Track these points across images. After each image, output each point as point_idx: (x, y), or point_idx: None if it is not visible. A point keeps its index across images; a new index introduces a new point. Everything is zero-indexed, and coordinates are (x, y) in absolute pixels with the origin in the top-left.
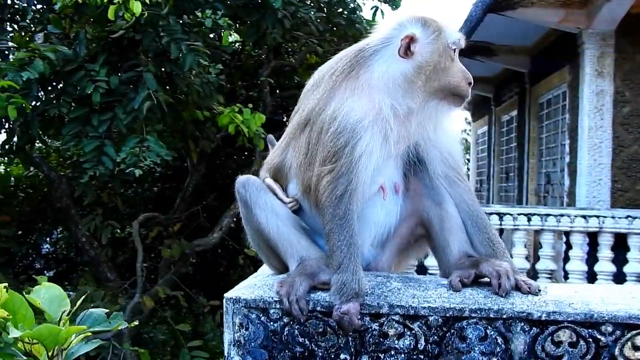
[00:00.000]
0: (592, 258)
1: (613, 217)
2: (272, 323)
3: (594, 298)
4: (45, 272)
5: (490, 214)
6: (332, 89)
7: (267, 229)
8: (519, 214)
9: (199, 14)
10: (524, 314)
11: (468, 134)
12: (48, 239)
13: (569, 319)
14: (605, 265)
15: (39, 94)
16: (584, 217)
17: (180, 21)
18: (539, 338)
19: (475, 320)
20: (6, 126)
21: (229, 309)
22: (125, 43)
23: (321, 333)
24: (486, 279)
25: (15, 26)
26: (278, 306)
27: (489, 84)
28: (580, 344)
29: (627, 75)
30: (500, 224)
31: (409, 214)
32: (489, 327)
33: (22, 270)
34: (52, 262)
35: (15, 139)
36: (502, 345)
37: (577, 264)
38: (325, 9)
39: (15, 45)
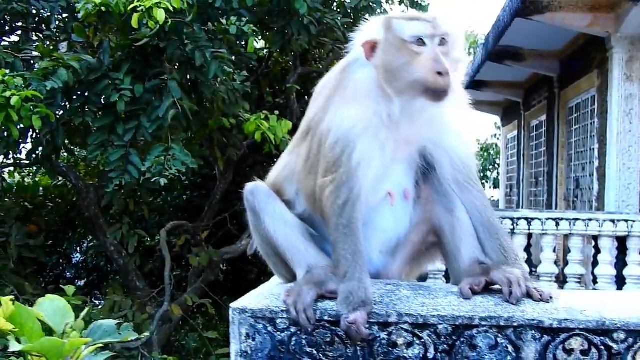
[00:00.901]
0: (621, 262)
1: None
2: (279, 333)
3: (607, 305)
4: (76, 281)
5: (519, 218)
6: (327, 98)
7: (275, 236)
8: (547, 219)
9: (224, 21)
10: (535, 322)
11: (498, 138)
12: (78, 249)
13: (581, 327)
14: (634, 269)
15: (64, 104)
16: (612, 221)
17: (205, 28)
18: (551, 346)
19: (485, 328)
20: (33, 136)
21: (235, 319)
22: (150, 51)
23: (329, 343)
24: (497, 287)
25: (40, 35)
26: (285, 316)
27: (518, 88)
28: (592, 351)
29: None
30: (529, 229)
31: (420, 221)
32: (500, 336)
33: (53, 280)
34: (82, 271)
35: (40, 148)
36: (513, 354)
37: (606, 269)
38: (351, 15)
39: (39, 55)
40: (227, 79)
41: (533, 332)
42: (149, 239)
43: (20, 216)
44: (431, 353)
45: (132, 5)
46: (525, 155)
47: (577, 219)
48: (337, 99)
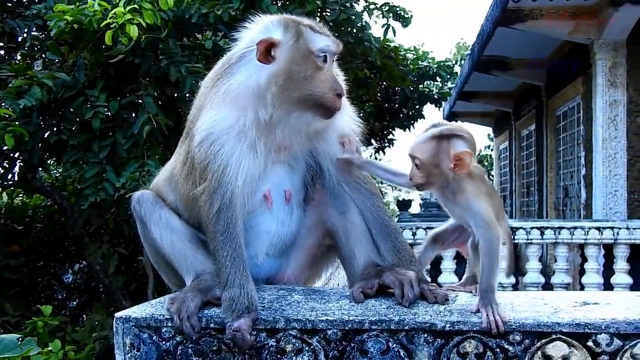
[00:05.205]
0: (608, 270)
1: (628, 229)
2: (164, 342)
3: (503, 306)
4: (68, 302)
5: None
6: (203, 98)
7: (161, 245)
8: (532, 228)
9: (200, 36)
10: (427, 325)
11: (491, 149)
12: (70, 269)
13: (475, 329)
14: (621, 277)
15: (40, 122)
16: (597, 229)
17: (181, 44)
18: (444, 350)
19: (376, 332)
20: (11, 155)
21: (118, 329)
22: (125, 67)
23: (216, 351)
24: (392, 289)
25: (18, 55)
26: (170, 324)
27: (508, 98)
28: (488, 354)
29: None
30: (514, 239)
31: (314, 223)
32: (391, 340)
33: (44, 301)
34: (74, 292)
35: (16, 168)
36: (406, 359)
37: (593, 277)
38: (331, 27)
39: (13, 74)
40: None
41: (425, 335)
42: (142, 258)
43: (3, 237)
44: (321, 359)
45: (104, 22)
46: (517, 165)
47: (562, 228)
48: (211, 100)
